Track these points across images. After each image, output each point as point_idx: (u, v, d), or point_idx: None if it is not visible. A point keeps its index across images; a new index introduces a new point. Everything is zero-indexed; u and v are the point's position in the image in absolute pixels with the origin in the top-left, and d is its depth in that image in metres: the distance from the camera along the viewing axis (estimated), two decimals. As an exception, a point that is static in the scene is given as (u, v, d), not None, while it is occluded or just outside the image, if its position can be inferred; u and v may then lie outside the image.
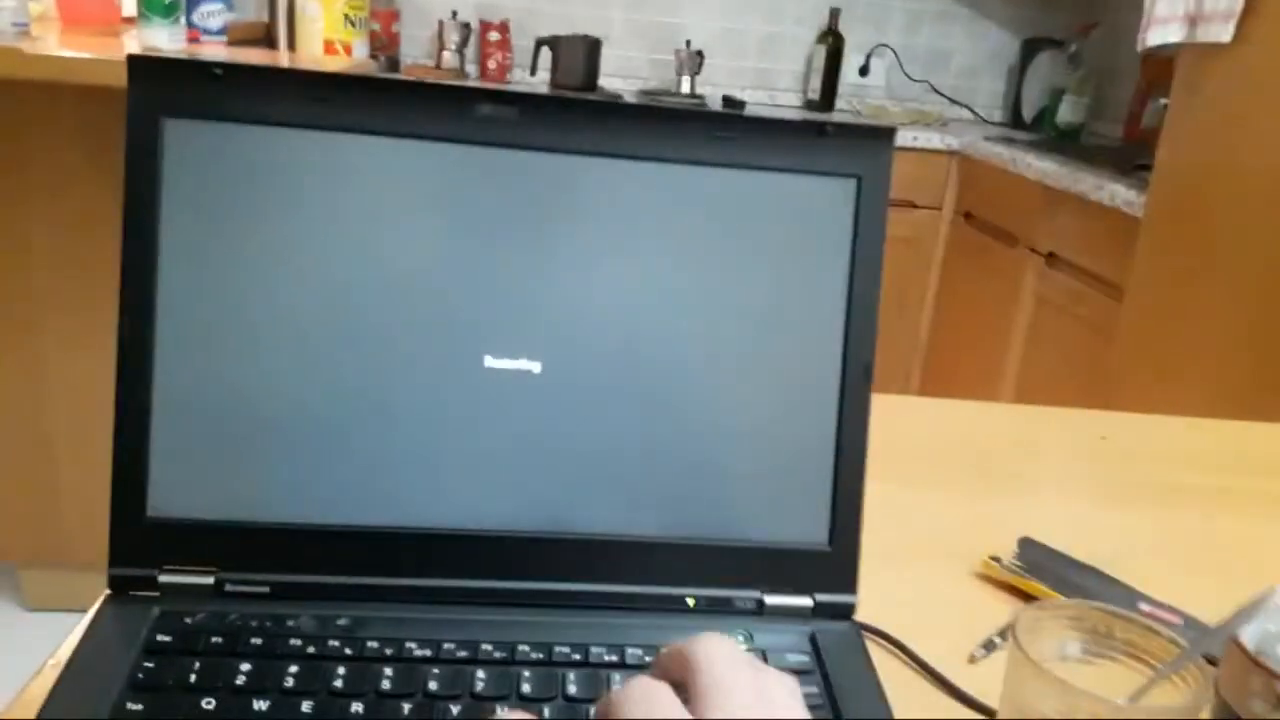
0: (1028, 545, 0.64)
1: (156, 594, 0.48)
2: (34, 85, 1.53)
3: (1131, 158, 2.12)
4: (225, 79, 0.47)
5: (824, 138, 0.49)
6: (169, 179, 0.47)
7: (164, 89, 0.46)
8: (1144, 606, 0.58)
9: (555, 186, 0.49)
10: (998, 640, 0.56)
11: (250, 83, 0.47)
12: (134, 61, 0.46)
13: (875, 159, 0.50)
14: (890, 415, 0.87)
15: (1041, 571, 0.62)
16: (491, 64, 2.88)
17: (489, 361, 0.49)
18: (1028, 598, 0.60)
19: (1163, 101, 1.81)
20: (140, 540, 0.48)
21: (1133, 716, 0.40)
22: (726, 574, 0.50)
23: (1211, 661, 0.43)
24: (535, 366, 0.49)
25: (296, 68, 0.47)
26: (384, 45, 2.79)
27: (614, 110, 0.49)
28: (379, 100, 0.47)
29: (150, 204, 0.47)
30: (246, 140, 0.47)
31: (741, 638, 0.49)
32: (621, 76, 3.05)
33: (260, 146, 0.47)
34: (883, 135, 0.50)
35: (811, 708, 0.45)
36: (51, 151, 1.63)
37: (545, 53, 2.79)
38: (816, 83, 2.97)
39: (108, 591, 0.48)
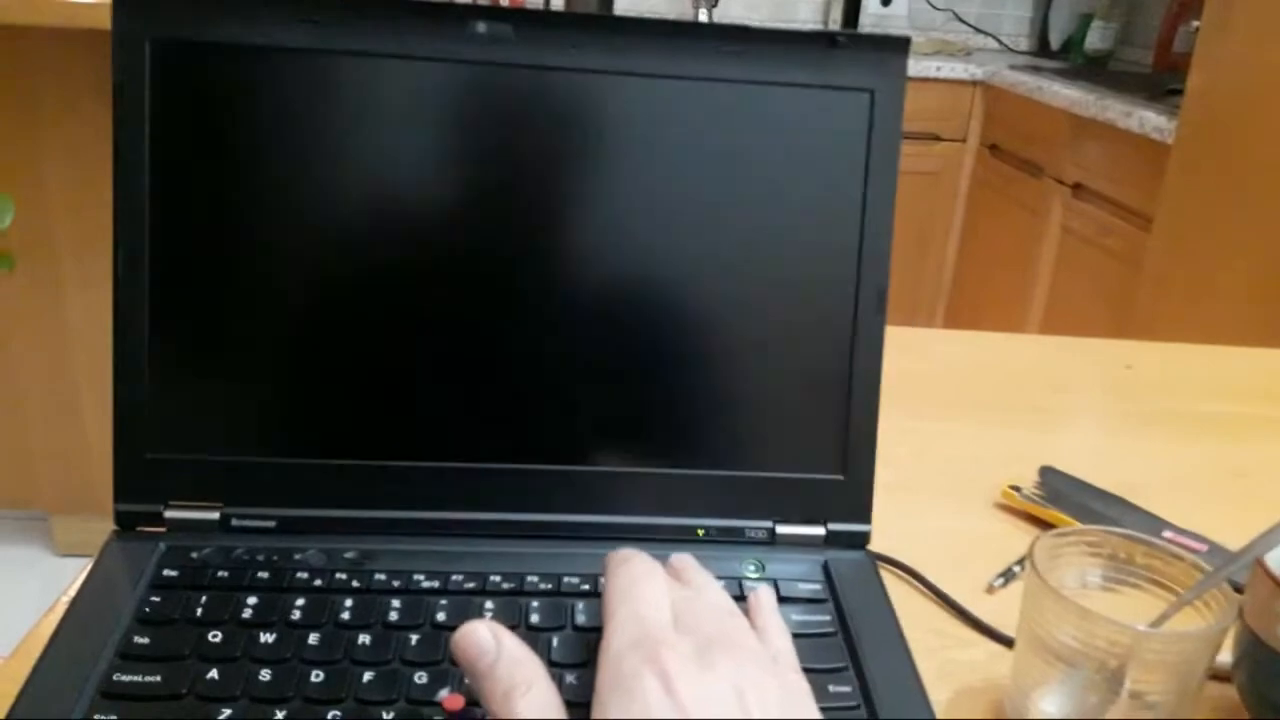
0: (1049, 474, 0.63)
1: (163, 530, 0.47)
2: (46, 32, 1.52)
3: (1162, 84, 2.06)
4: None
5: (835, 49, 0.47)
6: (157, 104, 0.45)
7: (149, 10, 0.45)
8: (1167, 534, 0.57)
9: (556, 106, 0.47)
10: (1016, 569, 0.55)
11: (239, 3, 0.45)
12: (118, -18, 0.44)
13: (889, 71, 0.48)
14: (911, 347, 0.85)
15: (1063, 500, 0.60)
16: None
17: (493, 288, 0.47)
18: (1048, 527, 0.59)
19: (1195, 24, 1.75)
20: (145, 476, 0.47)
21: (1153, 643, 0.39)
22: (737, 504, 0.50)
23: (1237, 589, 0.42)
24: (539, 294, 0.48)
25: (285, -13, 0.45)
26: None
27: (615, 25, 0.47)
28: (372, 20, 0.46)
29: (139, 132, 0.46)
30: (238, 63, 0.45)
31: (753, 567, 0.48)
32: (636, 11, 2.99)
33: (252, 69, 0.45)
34: (896, 46, 0.47)
35: (824, 635, 0.44)
36: (66, 98, 1.62)
37: (560, -13, 2.73)
38: (837, 13, 2.91)
39: (115, 528, 0.48)
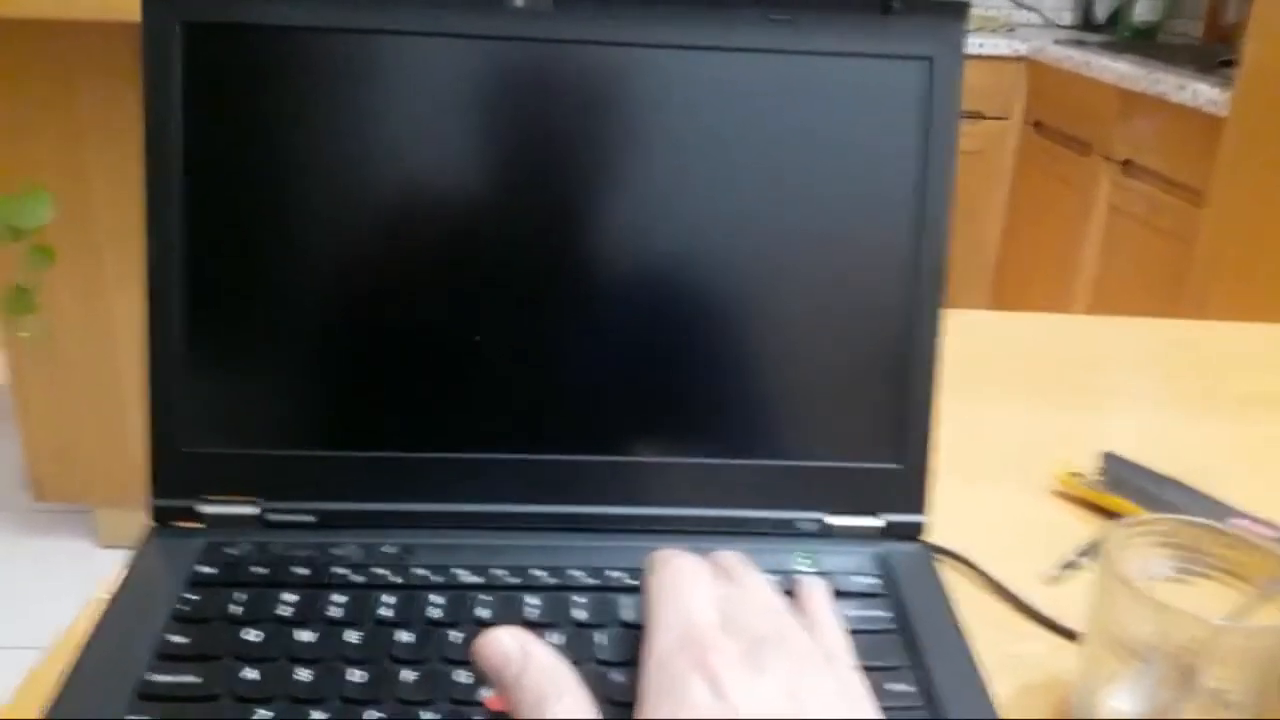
0: (1110, 460, 0.61)
1: (200, 525, 0.47)
2: (84, 25, 1.52)
3: (1214, 55, 2.00)
4: (242, -20, 0.44)
5: (889, 16, 0.45)
6: (189, 90, 0.44)
7: (179, -9, 0.44)
8: (1236, 521, 0.54)
9: (599, 82, 0.45)
10: (1078, 559, 0.53)
11: (268, -16, 0.44)
12: (145, -37, 0.43)
13: (947, 38, 0.45)
14: (957, 328, 0.83)
15: (1125, 486, 0.58)
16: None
17: (534, 273, 0.46)
18: (1108, 515, 0.57)
19: (1248, -8, 1.70)
20: (181, 470, 0.46)
21: (1234, 638, 0.37)
22: (788, 494, 0.48)
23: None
24: (584, 278, 0.46)
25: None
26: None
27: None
28: (406, -2, 0.44)
29: (172, 118, 0.45)
30: (269, 44, 0.44)
31: (805, 561, 0.46)
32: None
33: (284, 50, 0.44)
34: (954, 11, 0.45)
35: (882, 632, 0.43)
36: (106, 91, 1.63)
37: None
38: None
39: (152, 524, 0.47)
